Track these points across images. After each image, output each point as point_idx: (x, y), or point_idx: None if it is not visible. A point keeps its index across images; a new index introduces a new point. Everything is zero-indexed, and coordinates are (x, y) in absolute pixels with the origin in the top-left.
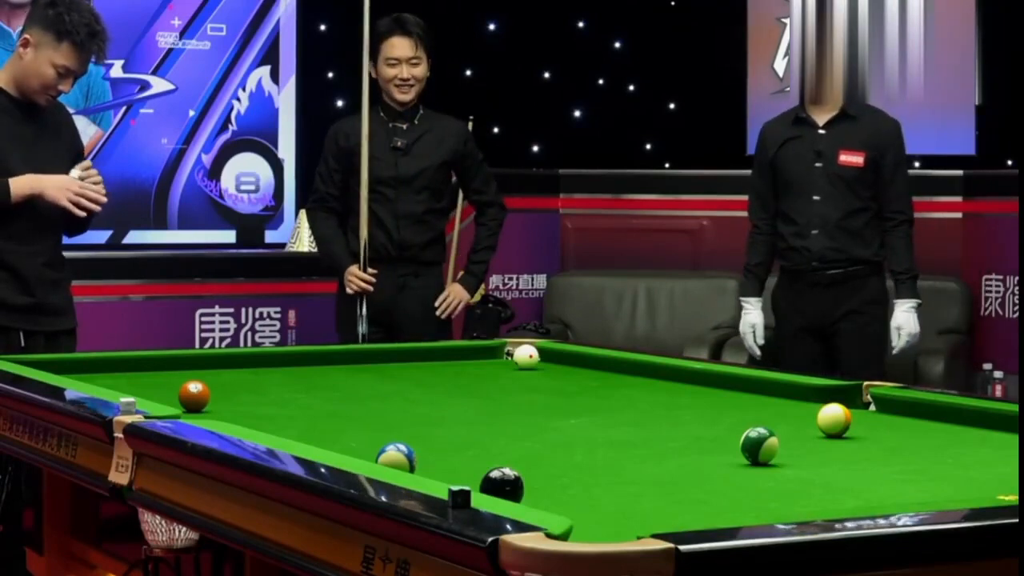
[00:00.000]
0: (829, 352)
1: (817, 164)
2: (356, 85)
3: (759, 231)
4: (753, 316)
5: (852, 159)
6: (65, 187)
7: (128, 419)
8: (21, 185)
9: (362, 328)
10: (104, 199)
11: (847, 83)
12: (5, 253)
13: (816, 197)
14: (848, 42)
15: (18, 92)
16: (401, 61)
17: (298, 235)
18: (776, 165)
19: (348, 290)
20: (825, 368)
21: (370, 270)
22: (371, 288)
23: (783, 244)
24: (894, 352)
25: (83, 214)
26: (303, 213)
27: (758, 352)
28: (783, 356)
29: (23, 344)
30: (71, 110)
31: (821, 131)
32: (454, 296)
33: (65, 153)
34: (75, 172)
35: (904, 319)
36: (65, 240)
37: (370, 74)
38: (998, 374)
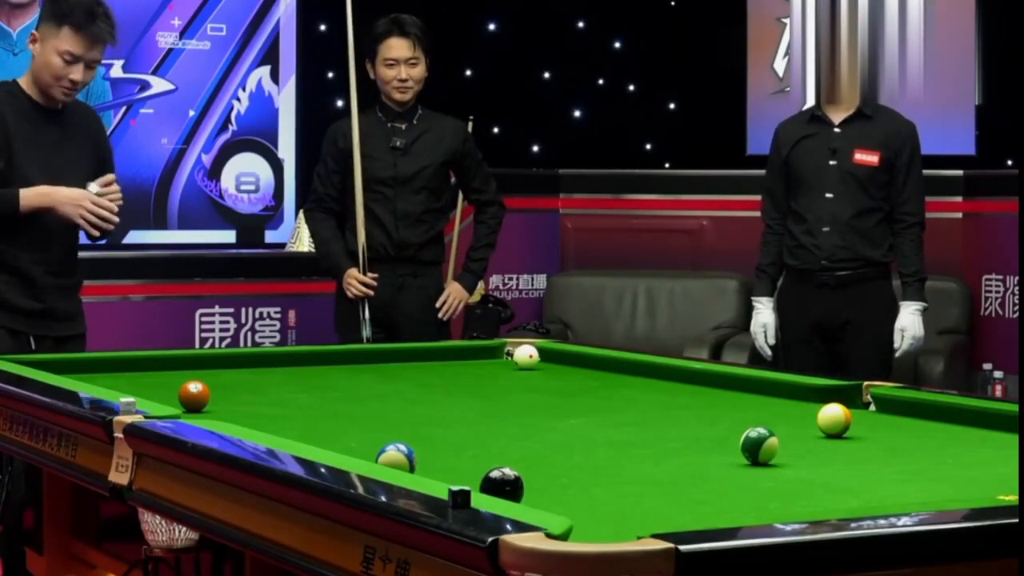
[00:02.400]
0: (834, 356)
1: (831, 162)
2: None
3: (772, 231)
4: (764, 316)
5: (867, 158)
6: (78, 203)
7: (128, 419)
8: (31, 197)
9: (366, 332)
10: (116, 218)
11: (864, 82)
12: (16, 259)
13: (829, 195)
14: (850, 40)
15: (39, 93)
16: (399, 62)
17: (298, 235)
18: (790, 162)
19: (348, 294)
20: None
21: (371, 274)
22: (372, 292)
23: (792, 242)
24: (897, 354)
25: (97, 233)
26: (303, 213)
27: (768, 352)
28: (789, 359)
29: (33, 348)
30: None
31: (837, 129)
32: (454, 296)
33: (86, 160)
34: (92, 187)
35: (909, 321)
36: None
37: (369, 74)
38: (998, 374)
